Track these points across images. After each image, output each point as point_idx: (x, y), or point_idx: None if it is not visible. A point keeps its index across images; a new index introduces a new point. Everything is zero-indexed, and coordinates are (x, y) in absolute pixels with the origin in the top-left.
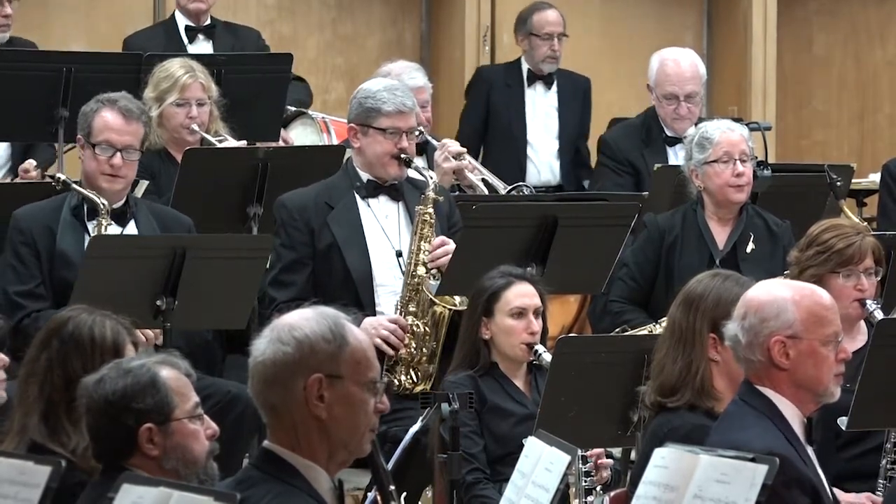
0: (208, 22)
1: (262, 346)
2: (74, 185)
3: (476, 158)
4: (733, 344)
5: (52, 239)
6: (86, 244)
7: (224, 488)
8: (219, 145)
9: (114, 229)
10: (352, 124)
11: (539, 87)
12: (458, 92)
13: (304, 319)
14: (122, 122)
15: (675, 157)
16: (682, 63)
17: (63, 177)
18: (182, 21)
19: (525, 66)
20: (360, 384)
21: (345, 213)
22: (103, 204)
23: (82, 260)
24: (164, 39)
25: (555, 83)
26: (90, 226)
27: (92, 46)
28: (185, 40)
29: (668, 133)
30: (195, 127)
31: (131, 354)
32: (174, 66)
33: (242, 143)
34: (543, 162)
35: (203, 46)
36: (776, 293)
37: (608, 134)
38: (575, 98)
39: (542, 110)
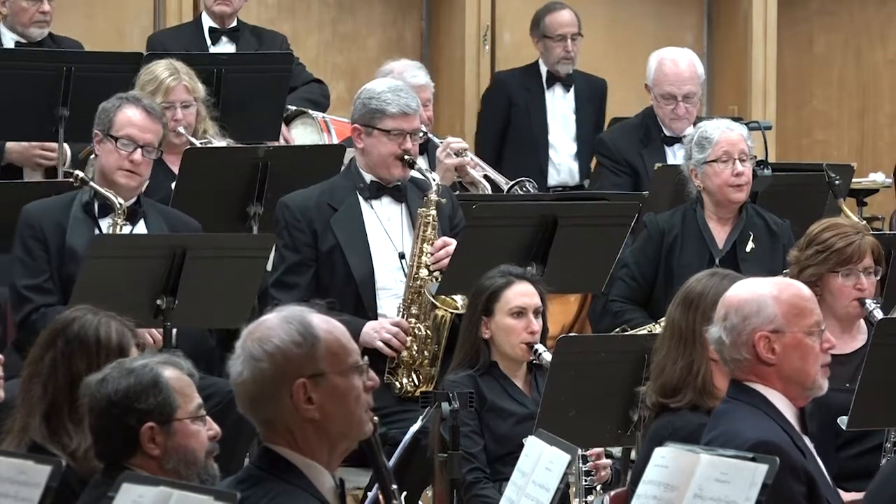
0: (233, 25)
1: (238, 366)
2: (93, 184)
3: (498, 163)
4: (718, 346)
5: (62, 235)
6: None
7: (225, 488)
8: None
9: (126, 228)
10: (355, 125)
11: (558, 89)
12: (459, 91)
13: (271, 329)
14: (146, 119)
15: (674, 156)
16: (680, 63)
17: (81, 174)
18: (207, 22)
19: (543, 69)
20: (343, 373)
21: (348, 214)
22: (120, 203)
23: (84, 259)
24: (187, 39)
25: (573, 85)
26: (102, 223)
27: (92, 46)
28: (209, 41)
29: (667, 133)
30: (181, 129)
31: (135, 356)
32: (158, 69)
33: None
34: (563, 164)
35: (226, 49)
36: (754, 290)
37: (606, 134)
38: (591, 100)
39: (560, 112)
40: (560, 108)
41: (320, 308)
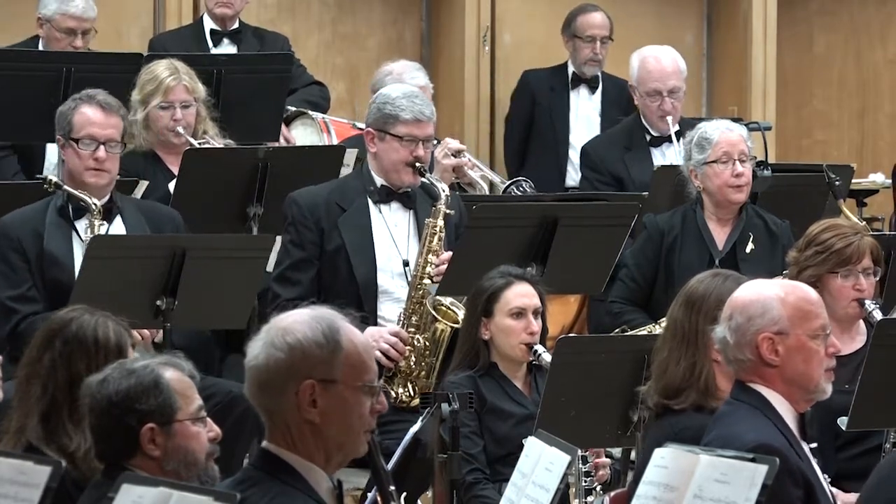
0: (235, 26)
1: (256, 349)
2: (67, 187)
3: (522, 162)
4: (722, 346)
5: (39, 242)
6: (74, 243)
7: (224, 488)
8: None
9: (103, 228)
10: (369, 128)
11: (583, 90)
12: (458, 92)
13: (298, 323)
14: (103, 115)
15: (663, 157)
16: (662, 59)
17: (54, 178)
18: (209, 24)
19: (570, 69)
20: (355, 388)
21: (356, 216)
22: (94, 204)
23: (78, 260)
24: (189, 41)
25: (599, 87)
26: (78, 225)
27: (92, 46)
28: (210, 43)
29: (654, 133)
30: (180, 129)
31: (133, 356)
32: (159, 69)
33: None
34: None
35: (227, 51)
36: (761, 291)
37: (589, 144)
38: (619, 102)
39: (584, 113)
40: (584, 109)
41: (353, 319)
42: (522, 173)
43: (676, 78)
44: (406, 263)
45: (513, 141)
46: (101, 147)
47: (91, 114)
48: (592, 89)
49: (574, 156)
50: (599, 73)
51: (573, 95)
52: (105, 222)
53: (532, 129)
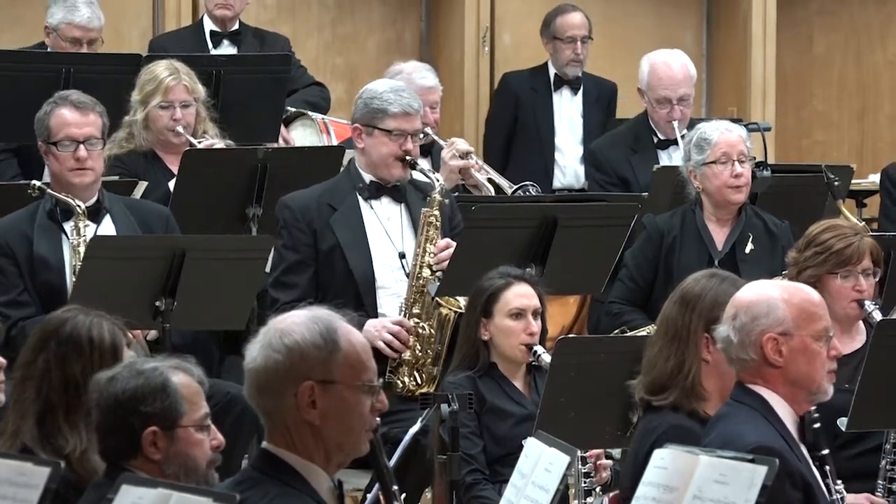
0: (235, 28)
1: (255, 351)
2: (50, 191)
3: (505, 163)
4: (725, 345)
5: (29, 245)
6: (64, 246)
7: (223, 489)
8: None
9: (90, 229)
10: (356, 124)
11: (565, 91)
12: (458, 92)
13: (295, 325)
14: (79, 114)
15: (669, 159)
16: (673, 66)
17: (38, 183)
18: (209, 25)
19: (552, 71)
20: (354, 387)
21: (348, 214)
22: (78, 205)
23: (69, 262)
24: (189, 43)
25: (581, 88)
26: (66, 227)
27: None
28: (210, 45)
29: (661, 136)
30: (180, 129)
31: (128, 356)
32: (158, 69)
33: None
34: (569, 166)
35: (227, 52)
36: (765, 292)
37: (596, 144)
38: (599, 102)
39: (567, 115)
40: (567, 110)
41: (351, 318)
42: (507, 175)
43: (686, 85)
44: (402, 255)
45: (495, 143)
46: (81, 146)
47: (66, 115)
48: (574, 91)
49: (560, 158)
50: (581, 74)
51: (556, 97)
52: (91, 223)
53: (516, 130)
